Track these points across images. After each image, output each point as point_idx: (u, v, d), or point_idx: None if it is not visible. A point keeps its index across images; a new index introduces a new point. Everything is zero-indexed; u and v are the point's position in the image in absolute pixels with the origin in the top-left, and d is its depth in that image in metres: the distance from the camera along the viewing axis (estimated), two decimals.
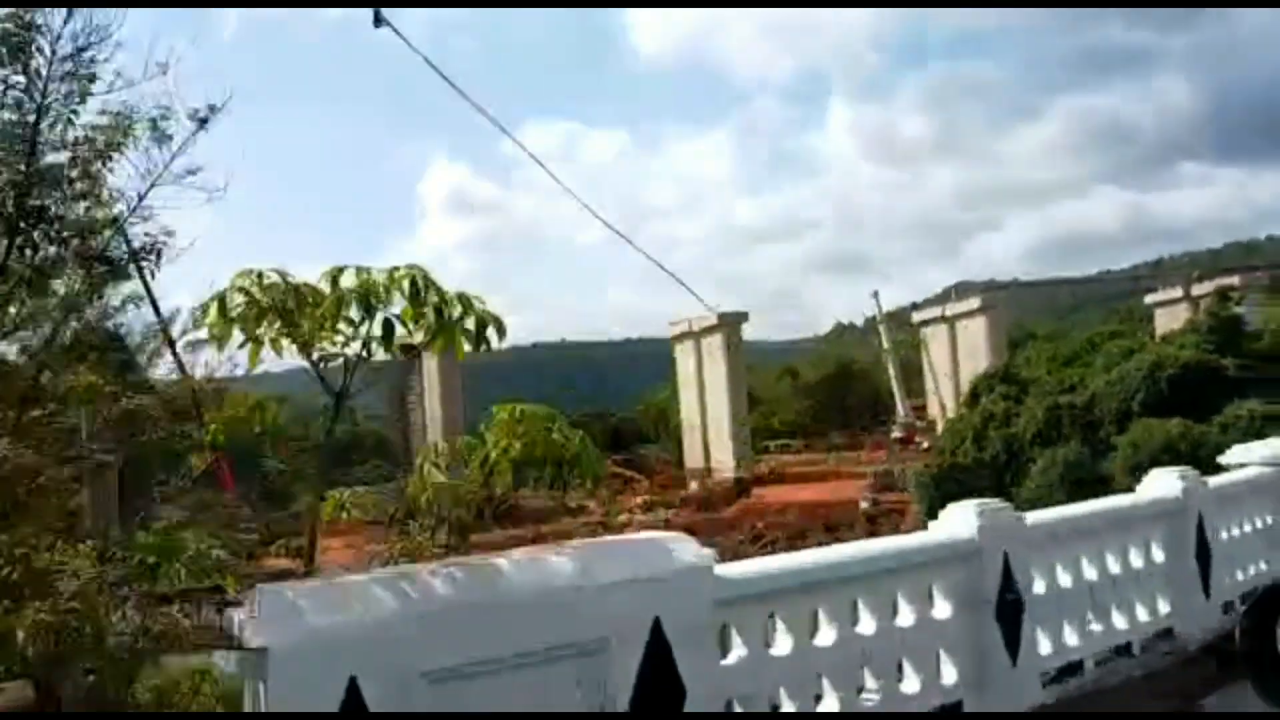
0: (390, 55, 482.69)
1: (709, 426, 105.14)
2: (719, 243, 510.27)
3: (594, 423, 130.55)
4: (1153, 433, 52.86)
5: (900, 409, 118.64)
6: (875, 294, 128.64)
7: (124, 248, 6.30)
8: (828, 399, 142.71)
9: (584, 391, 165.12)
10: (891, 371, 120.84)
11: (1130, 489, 12.55)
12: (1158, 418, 54.30)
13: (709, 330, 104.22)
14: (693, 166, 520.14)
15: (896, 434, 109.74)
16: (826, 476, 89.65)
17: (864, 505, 69.97)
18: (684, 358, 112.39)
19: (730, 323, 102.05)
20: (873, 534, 69.28)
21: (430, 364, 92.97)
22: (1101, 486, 54.94)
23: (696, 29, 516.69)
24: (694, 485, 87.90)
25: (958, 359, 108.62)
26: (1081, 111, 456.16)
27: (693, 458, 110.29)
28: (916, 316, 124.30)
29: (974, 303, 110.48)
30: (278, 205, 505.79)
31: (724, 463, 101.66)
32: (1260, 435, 45.04)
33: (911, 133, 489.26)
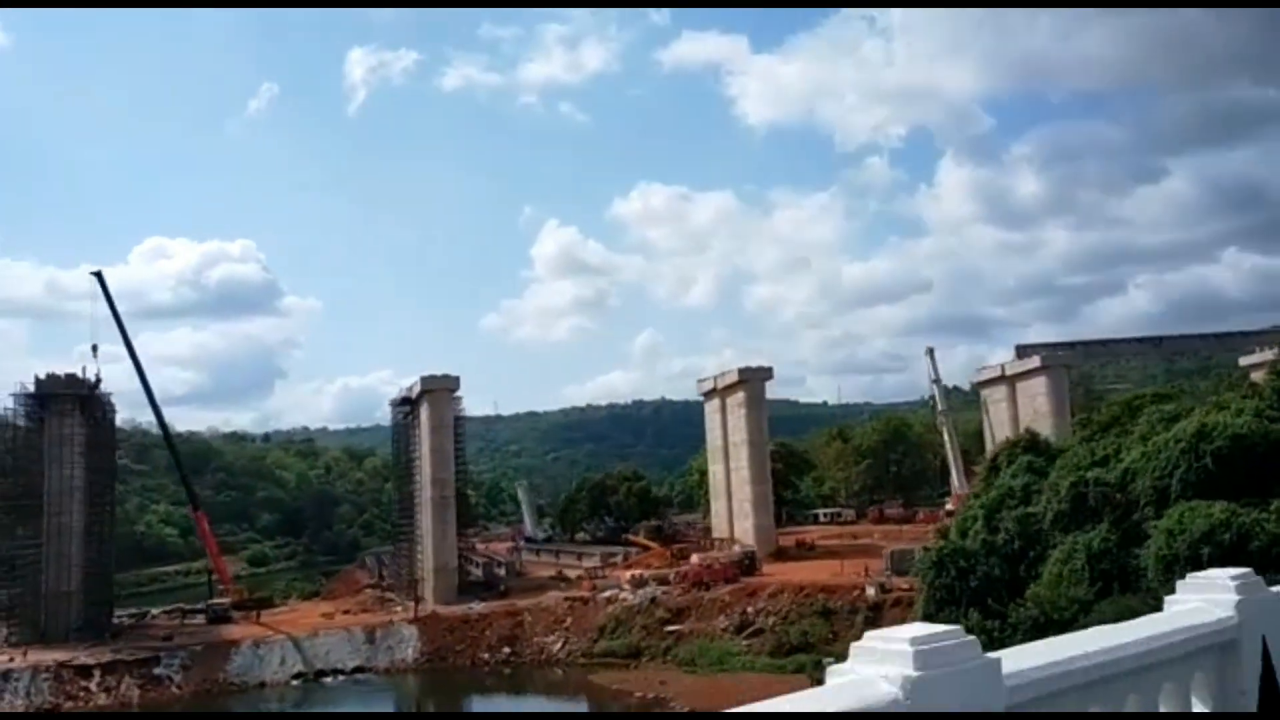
0: (512, 121, 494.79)
1: (733, 492, 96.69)
2: (825, 305, 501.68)
3: (621, 485, 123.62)
4: (1193, 519, 43.21)
5: (955, 478, 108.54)
6: (930, 351, 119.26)
7: None
8: (881, 465, 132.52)
9: (670, 450, 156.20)
10: (946, 437, 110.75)
11: (1165, 588, 8.32)
12: (1203, 499, 44.67)
13: (732, 388, 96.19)
14: (798, 229, 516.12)
15: (949, 506, 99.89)
16: (860, 552, 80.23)
17: (870, 591, 60.83)
18: (712, 416, 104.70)
19: (752, 378, 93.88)
20: (873, 625, 60.09)
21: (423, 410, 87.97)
22: (1134, 580, 45.31)
23: (804, 93, 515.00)
24: (695, 559, 79.30)
25: (1019, 422, 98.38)
26: (1206, 172, 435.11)
27: (720, 525, 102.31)
28: (978, 376, 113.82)
29: (1033, 362, 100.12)
30: (406, 257, 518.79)
31: (746, 531, 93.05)
32: None
33: (1026, 194, 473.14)
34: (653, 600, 68.84)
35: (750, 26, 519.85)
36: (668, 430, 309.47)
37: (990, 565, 50.44)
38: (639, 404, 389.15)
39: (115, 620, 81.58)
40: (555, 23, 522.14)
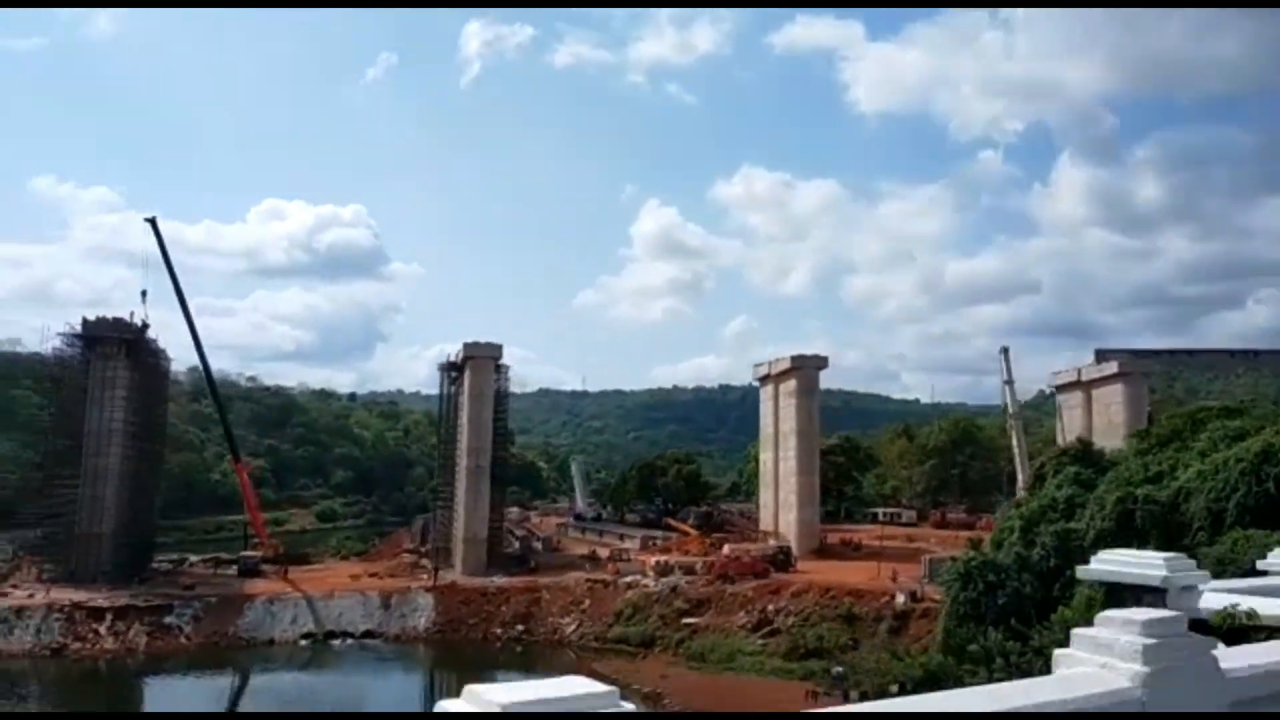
0: (619, 99, 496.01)
1: (779, 483, 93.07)
2: (926, 300, 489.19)
3: (671, 467, 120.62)
4: (1247, 549, 38.55)
5: (1021, 485, 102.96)
6: (1004, 351, 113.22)
7: None
8: (947, 466, 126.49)
9: (751, 437, 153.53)
10: (1015, 440, 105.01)
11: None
12: (1261, 527, 39.96)
13: (784, 375, 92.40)
14: (904, 221, 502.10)
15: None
16: (910, 557, 76.18)
17: (900, 599, 57.05)
18: (765, 403, 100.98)
19: (805, 366, 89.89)
20: (898, 635, 56.33)
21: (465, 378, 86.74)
22: None
23: (919, 82, 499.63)
24: (726, 549, 76.18)
25: (1092, 431, 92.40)
26: None
27: (767, 516, 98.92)
28: (1055, 380, 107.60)
29: (1110, 367, 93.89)
30: (509, 229, 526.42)
31: (790, 524, 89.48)
32: None
33: (1145, 198, 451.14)
34: (674, 589, 66.13)
35: (866, 12, 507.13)
36: (751, 417, 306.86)
37: (1022, 582, 46.41)
38: (725, 389, 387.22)
39: (155, 565, 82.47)
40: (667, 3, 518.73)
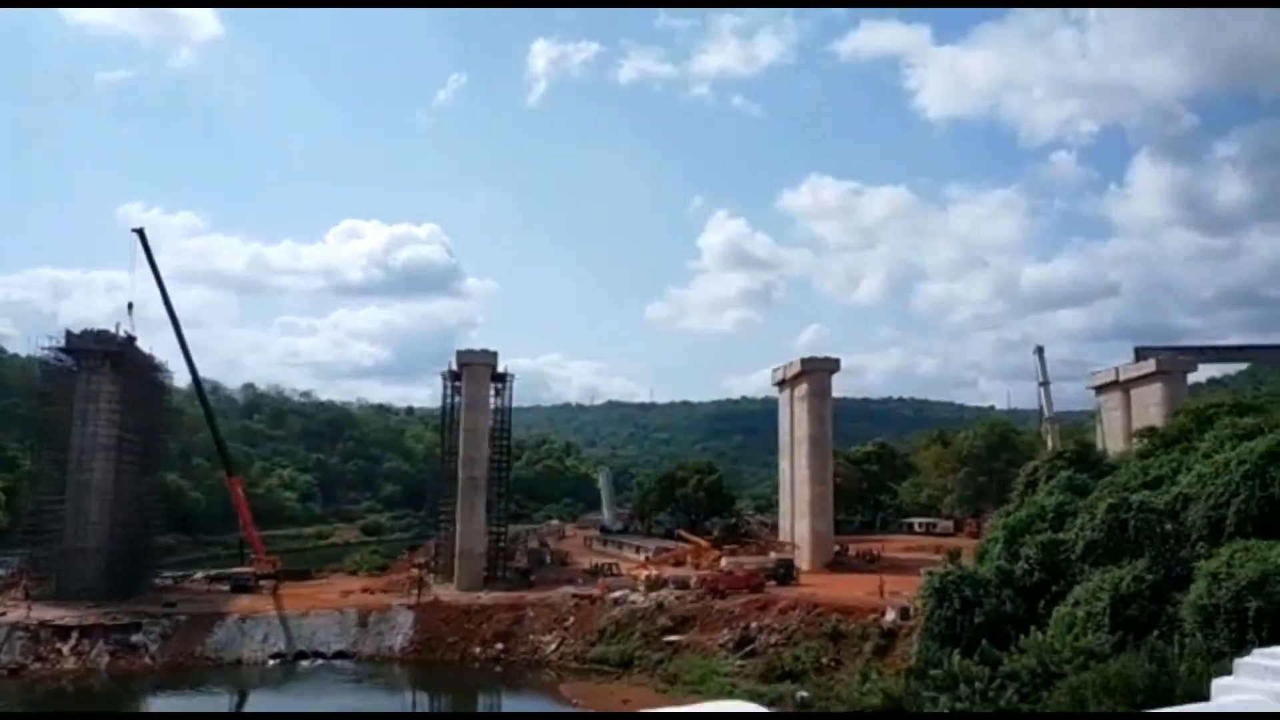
0: (684, 112, 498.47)
1: (794, 492, 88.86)
2: (1001, 306, 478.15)
3: (692, 478, 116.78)
4: (1244, 561, 34.06)
5: None
6: (1039, 350, 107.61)
7: None
8: (983, 473, 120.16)
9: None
10: (1050, 444, 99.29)
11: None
12: (1264, 537, 35.34)
13: (797, 379, 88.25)
14: (976, 226, 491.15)
15: None
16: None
17: (890, 617, 52.76)
18: (783, 408, 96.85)
19: (816, 369, 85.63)
20: (884, 655, 51.88)
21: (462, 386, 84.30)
22: (1167, 633, 36.14)
23: (988, 85, 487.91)
24: (723, 563, 72.34)
25: (1131, 433, 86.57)
26: None
27: (787, 526, 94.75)
28: (1093, 382, 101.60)
29: (1148, 366, 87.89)
30: (580, 244, 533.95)
31: (803, 535, 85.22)
32: None
33: (1229, 197, 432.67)
34: (660, 605, 62.48)
35: (933, 17, 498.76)
36: None
37: (1002, 598, 42.17)
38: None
39: (158, 581, 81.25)
40: (730, 13, 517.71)
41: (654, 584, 66.49)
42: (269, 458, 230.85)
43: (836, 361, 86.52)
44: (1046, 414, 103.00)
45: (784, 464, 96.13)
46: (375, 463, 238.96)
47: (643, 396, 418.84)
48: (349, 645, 63.36)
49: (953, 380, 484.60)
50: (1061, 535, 42.47)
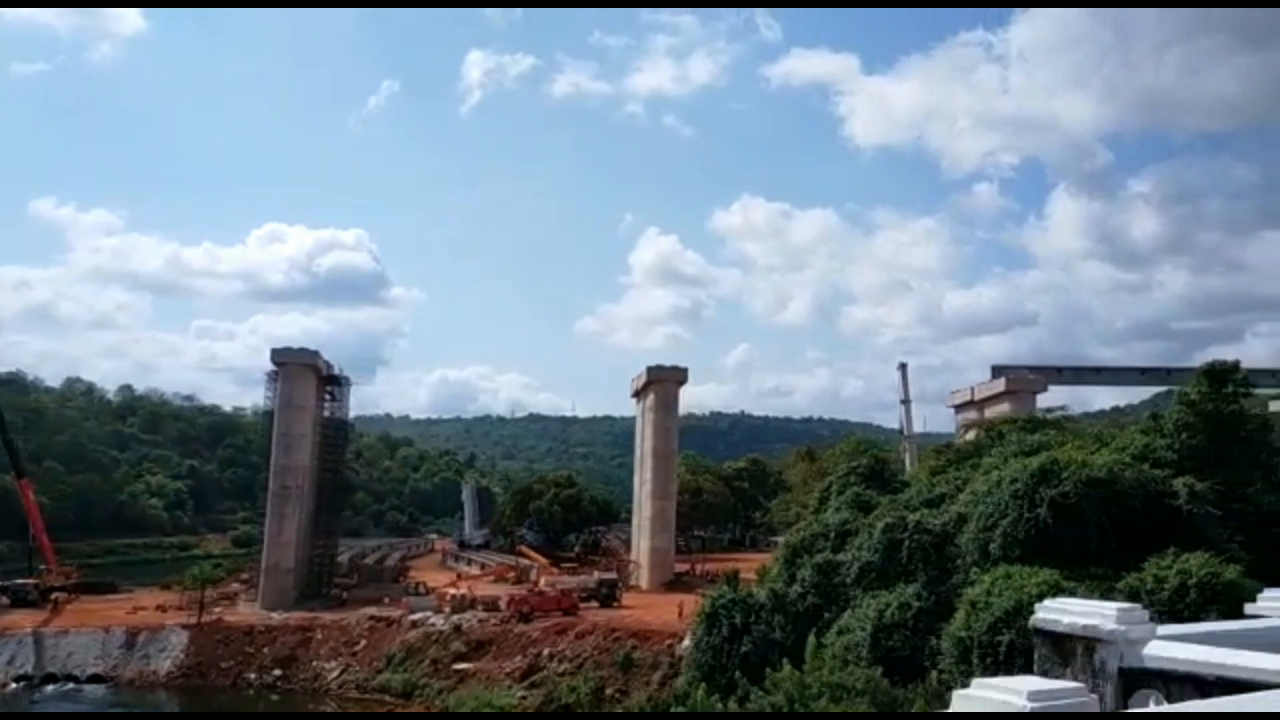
0: (617, 129, 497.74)
1: (642, 505, 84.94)
2: (925, 331, 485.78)
3: (548, 491, 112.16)
4: (1003, 589, 30.70)
5: None
6: (902, 367, 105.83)
7: None
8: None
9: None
10: (907, 462, 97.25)
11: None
12: (1029, 562, 32.16)
13: (644, 389, 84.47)
14: (901, 252, 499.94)
15: None
16: None
17: (685, 644, 48.55)
18: (638, 421, 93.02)
19: (663, 379, 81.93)
20: (667, 683, 47.99)
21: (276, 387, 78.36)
22: (926, 667, 32.95)
23: (914, 116, 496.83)
24: (543, 582, 67.94)
25: None
26: None
27: (636, 542, 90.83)
28: (953, 399, 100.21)
29: (999, 385, 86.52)
30: (510, 256, 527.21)
31: (644, 553, 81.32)
32: (1196, 616, 24.98)
33: (1142, 233, 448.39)
34: (457, 629, 57.60)
35: (862, 46, 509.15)
36: (740, 445, 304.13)
37: (772, 625, 38.36)
38: (717, 416, 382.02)
39: None
40: (664, 34, 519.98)
41: (459, 605, 61.53)
42: (138, 463, 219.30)
43: (684, 372, 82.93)
44: (906, 432, 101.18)
45: (636, 478, 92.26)
46: (257, 471, 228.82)
47: (567, 410, 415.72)
48: (108, 668, 57.06)
49: (876, 403, 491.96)
50: (841, 556, 39.01)
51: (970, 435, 44.69)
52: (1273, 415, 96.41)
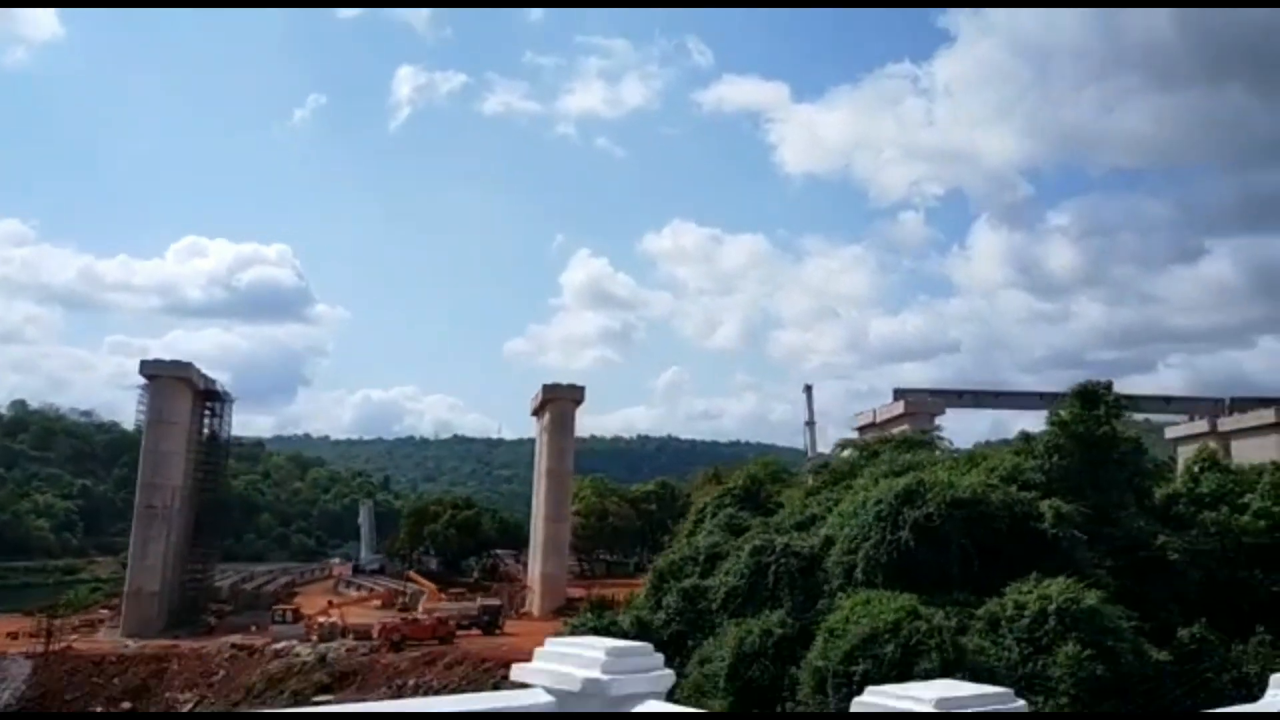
0: (548, 150, 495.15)
1: (537, 528, 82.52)
2: (851, 357, 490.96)
3: (444, 513, 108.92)
4: (861, 616, 29.33)
5: None
6: (807, 389, 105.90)
7: None
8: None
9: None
10: (810, 483, 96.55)
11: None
12: (892, 587, 30.88)
13: (542, 407, 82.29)
14: (829, 279, 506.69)
15: None
16: None
17: None
18: (537, 441, 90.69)
19: (558, 397, 79.89)
20: None
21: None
22: (784, 701, 31.41)
23: (843, 144, 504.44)
24: (422, 608, 65.10)
25: None
26: (1246, 256, 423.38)
27: (532, 567, 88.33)
28: (855, 423, 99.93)
29: (898, 408, 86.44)
30: (439, 275, 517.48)
31: (535, 578, 78.85)
32: (1048, 648, 25.53)
33: (1059, 264, 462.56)
34: (322, 659, 54.46)
35: (792, 75, 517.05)
36: (667, 468, 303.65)
37: None
38: (644, 439, 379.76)
39: None
40: (596, 56, 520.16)
41: (327, 634, 58.31)
42: (26, 481, 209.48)
43: (580, 390, 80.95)
44: (810, 454, 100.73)
45: (535, 500, 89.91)
46: (224, 494, 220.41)
47: (492, 432, 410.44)
48: None
49: (799, 429, 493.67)
50: (709, 581, 37.29)
51: (846, 454, 43.49)
52: (1168, 441, 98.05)
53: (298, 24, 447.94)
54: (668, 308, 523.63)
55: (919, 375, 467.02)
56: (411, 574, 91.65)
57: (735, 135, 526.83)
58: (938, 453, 40.96)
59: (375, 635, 58.26)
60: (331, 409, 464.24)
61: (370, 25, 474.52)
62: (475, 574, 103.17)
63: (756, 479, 43.71)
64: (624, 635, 37.15)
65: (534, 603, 77.01)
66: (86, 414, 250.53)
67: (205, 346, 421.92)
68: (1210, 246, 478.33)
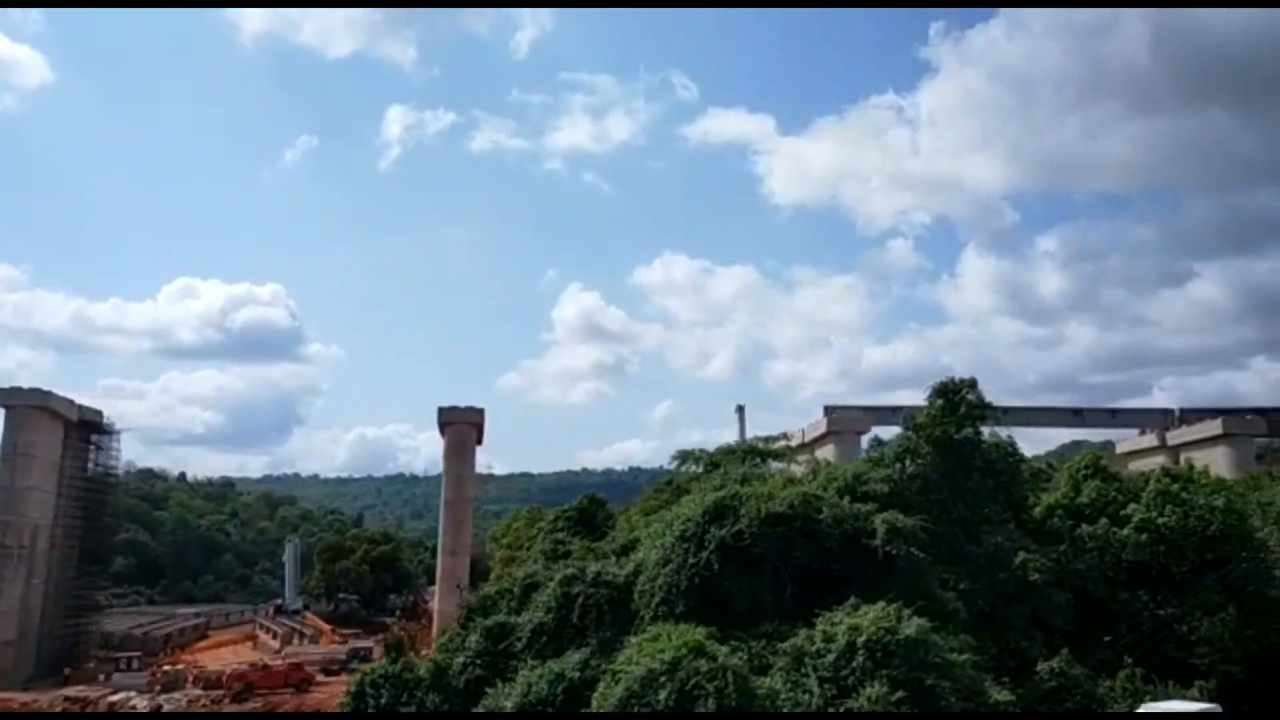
0: (537, 186, 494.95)
1: (439, 562, 77.30)
2: (844, 386, 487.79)
3: (359, 548, 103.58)
4: (645, 653, 24.81)
5: None
6: (739, 410, 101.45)
7: None
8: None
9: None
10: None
11: None
12: (698, 618, 26.50)
13: (442, 431, 77.38)
14: (820, 309, 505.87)
15: None
16: None
17: None
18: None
19: (454, 420, 75.02)
20: None
21: None
22: None
23: (829, 175, 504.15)
24: (284, 653, 59.75)
25: None
26: (1234, 278, 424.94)
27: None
28: (791, 441, 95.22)
29: (823, 426, 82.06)
30: (431, 312, 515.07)
31: (435, 613, 73.63)
32: (855, 688, 22.17)
33: (1049, 290, 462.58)
34: (158, 710, 49.15)
35: (777, 107, 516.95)
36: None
37: (425, 700, 31.57)
38: (636, 471, 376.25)
39: None
40: (582, 93, 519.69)
41: (170, 683, 53.00)
42: None
43: (479, 413, 75.99)
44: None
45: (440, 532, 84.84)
46: (108, 534, 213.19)
47: (483, 468, 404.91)
48: None
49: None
50: (521, 617, 32.52)
51: (685, 469, 38.82)
52: (1117, 456, 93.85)
53: (287, 66, 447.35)
54: (660, 340, 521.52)
55: (911, 402, 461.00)
56: (308, 616, 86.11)
57: (722, 168, 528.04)
58: (793, 465, 36.47)
59: (228, 682, 53.01)
60: (327, 448, 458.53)
61: (359, 66, 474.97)
62: (398, 611, 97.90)
63: (597, 499, 38.87)
64: (418, 683, 32.31)
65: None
66: None
67: (200, 388, 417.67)
68: (1198, 269, 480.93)
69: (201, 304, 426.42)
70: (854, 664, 23.08)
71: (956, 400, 33.03)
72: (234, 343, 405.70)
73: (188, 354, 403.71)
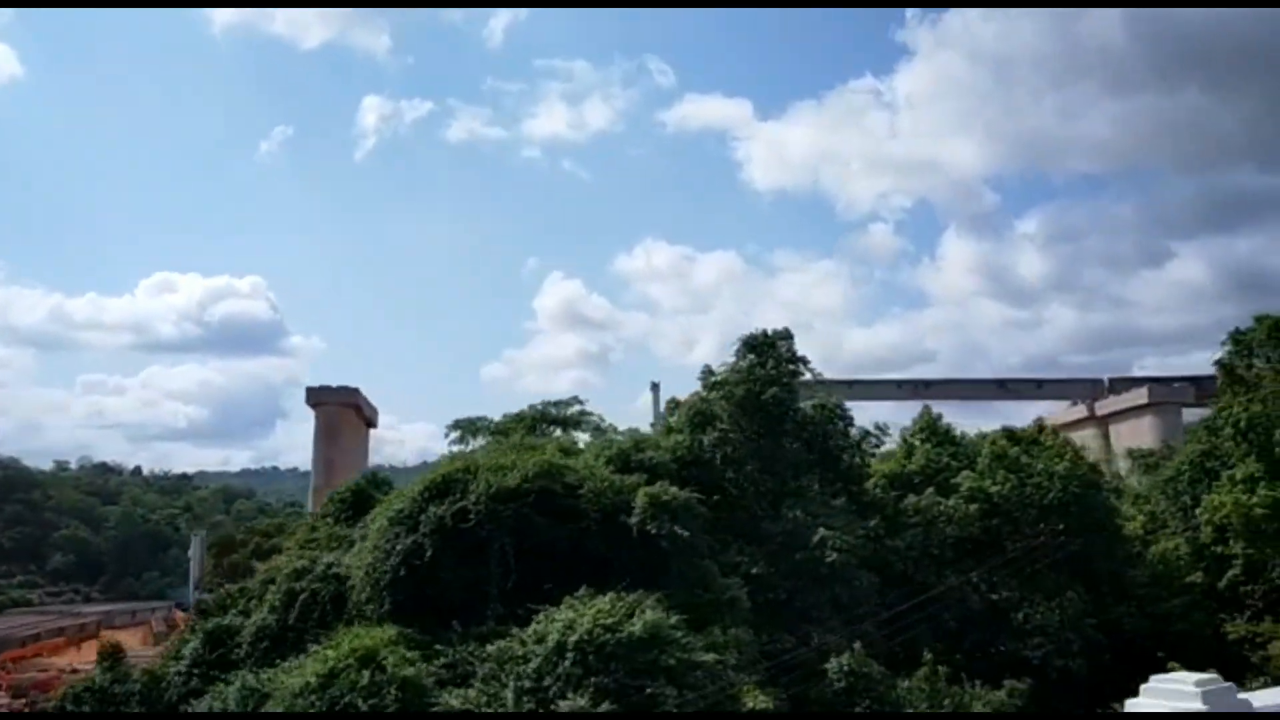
0: (515, 174, 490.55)
1: None
2: (828, 371, 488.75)
3: (251, 541, 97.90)
4: (320, 658, 20.12)
5: None
6: (654, 386, 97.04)
7: None
8: None
9: None
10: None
11: None
12: (406, 614, 21.95)
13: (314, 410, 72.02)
14: (802, 293, 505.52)
15: None
16: None
17: None
18: None
19: (323, 401, 69.78)
20: None
21: None
22: None
23: (808, 160, 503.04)
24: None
25: None
26: (1213, 257, 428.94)
27: None
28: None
29: None
30: (414, 302, 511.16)
31: None
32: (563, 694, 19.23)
33: (1029, 271, 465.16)
34: None
35: (754, 92, 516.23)
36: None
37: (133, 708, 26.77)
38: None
39: None
40: (557, 80, 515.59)
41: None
42: None
43: (353, 392, 70.94)
44: None
45: None
46: (50, 530, 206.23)
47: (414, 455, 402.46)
48: None
49: None
50: (251, 619, 27.66)
51: (452, 440, 34.04)
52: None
53: (260, 57, 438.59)
54: (644, 328, 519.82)
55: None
56: (177, 611, 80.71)
57: (701, 154, 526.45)
58: (588, 435, 31.82)
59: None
60: (310, 440, 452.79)
61: (333, 56, 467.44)
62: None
63: (379, 478, 34.04)
64: (128, 697, 27.42)
65: None
66: None
67: (182, 383, 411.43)
68: (1177, 249, 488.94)
69: (180, 298, 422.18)
70: (560, 669, 18.53)
71: (765, 356, 28.54)
72: (214, 336, 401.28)
73: (168, 348, 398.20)
